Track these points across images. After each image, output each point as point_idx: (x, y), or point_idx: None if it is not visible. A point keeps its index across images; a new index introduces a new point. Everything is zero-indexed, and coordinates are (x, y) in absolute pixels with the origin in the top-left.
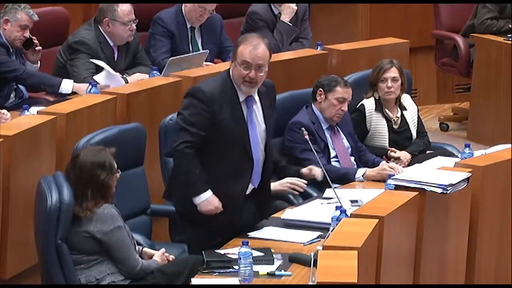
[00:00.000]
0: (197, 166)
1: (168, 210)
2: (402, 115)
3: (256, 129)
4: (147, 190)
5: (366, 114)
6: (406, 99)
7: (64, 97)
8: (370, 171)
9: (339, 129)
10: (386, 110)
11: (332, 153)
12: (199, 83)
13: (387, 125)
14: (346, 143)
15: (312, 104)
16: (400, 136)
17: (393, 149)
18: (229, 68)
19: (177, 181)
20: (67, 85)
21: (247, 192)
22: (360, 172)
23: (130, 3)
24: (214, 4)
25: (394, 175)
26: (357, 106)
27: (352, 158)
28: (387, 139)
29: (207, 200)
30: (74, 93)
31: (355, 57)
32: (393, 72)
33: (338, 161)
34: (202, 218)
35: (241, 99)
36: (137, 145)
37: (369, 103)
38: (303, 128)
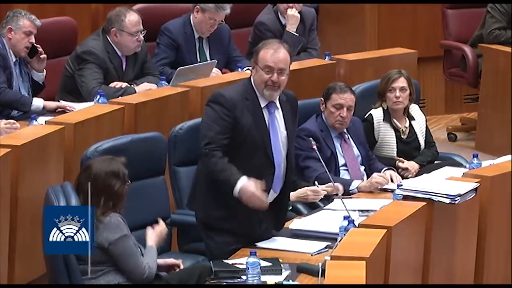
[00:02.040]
0: (224, 163)
1: (187, 220)
2: (410, 125)
3: (278, 134)
4: (167, 200)
5: (374, 124)
6: (414, 109)
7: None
8: (363, 183)
9: (349, 137)
10: (394, 120)
11: (341, 161)
12: (219, 90)
13: (395, 135)
14: (356, 151)
15: (322, 113)
16: (408, 146)
17: (401, 159)
18: (250, 76)
19: (200, 187)
20: (37, 103)
21: (268, 200)
22: (355, 184)
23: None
24: (224, 14)
25: (401, 185)
26: (365, 116)
27: (362, 168)
28: (395, 149)
29: (242, 188)
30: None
31: (363, 67)
32: (402, 82)
33: (347, 169)
34: (224, 224)
35: (262, 105)
36: (156, 154)
37: (377, 113)
38: (311, 138)
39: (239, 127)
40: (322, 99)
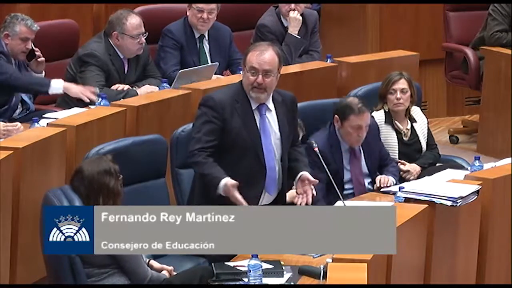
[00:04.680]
0: (209, 162)
1: None
2: (412, 127)
3: (269, 136)
4: (168, 202)
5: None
6: (416, 112)
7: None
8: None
9: (361, 150)
10: (396, 122)
11: (346, 176)
12: (210, 93)
13: (397, 137)
14: (364, 166)
15: (335, 127)
16: (409, 148)
17: (402, 161)
18: (242, 79)
19: (197, 193)
20: (57, 84)
21: (264, 202)
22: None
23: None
24: (211, 3)
25: (403, 187)
26: None
27: (368, 181)
28: (397, 152)
29: (223, 188)
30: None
31: (365, 69)
32: (402, 84)
33: (352, 188)
34: None
35: (253, 107)
36: (157, 156)
37: (378, 116)
38: (312, 141)
39: (228, 129)
40: (337, 116)
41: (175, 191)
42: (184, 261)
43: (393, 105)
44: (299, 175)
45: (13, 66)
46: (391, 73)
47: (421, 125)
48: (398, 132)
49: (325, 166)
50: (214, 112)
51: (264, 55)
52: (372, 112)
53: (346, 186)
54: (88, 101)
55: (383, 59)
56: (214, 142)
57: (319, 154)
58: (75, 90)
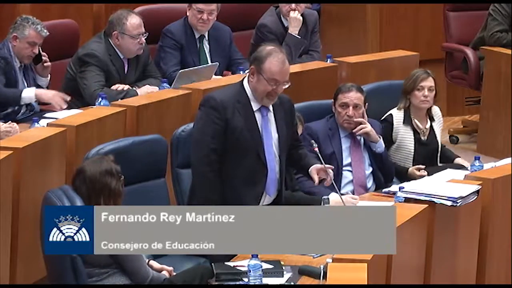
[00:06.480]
0: (216, 194)
1: None
2: (431, 126)
3: (270, 137)
4: (168, 202)
5: (394, 125)
6: (435, 111)
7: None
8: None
9: (362, 138)
10: (415, 121)
11: (347, 160)
12: (211, 93)
13: (414, 138)
14: (366, 154)
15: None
16: (427, 148)
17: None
18: (242, 79)
19: (196, 200)
20: (28, 94)
21: (264, 203)
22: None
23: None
24: (211, 4)
25: (403, 187)
26: (385, 115)
27: (370, 170)
28: (412, 152)
29: None
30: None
31: (365, 69)
32: (430, 82)
33: (351, 170)
34: None
35: (255, 108)
36: (157, 156)
37: (398, 114)
38: (312, 141)
39: (231, 129)
40: (333, 101)
41: (175, 191)
42: (184, 261)
43: (419, 101)
44: (312, 167)
45: (17, 69)
46: (416, 70)
47: (438, 125)
48: (416, 132)
49: (323, 163)
50: (216, 112)
51: (285, 66)
52: (391, 109)
53: (345, 171)
54: (58, 108)
55: (383, 59)
56: (219, 145)
57: (319, 155)
58: (48, 96)
